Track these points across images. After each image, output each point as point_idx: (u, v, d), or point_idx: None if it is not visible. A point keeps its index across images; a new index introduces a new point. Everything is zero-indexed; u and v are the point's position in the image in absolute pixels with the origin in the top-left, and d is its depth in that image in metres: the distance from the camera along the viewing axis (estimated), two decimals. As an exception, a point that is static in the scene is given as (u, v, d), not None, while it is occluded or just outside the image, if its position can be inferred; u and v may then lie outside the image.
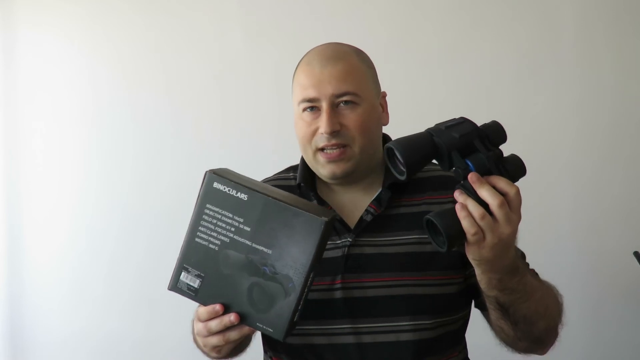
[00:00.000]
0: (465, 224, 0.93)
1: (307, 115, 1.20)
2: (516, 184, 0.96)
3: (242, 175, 1.10)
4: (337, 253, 1.19)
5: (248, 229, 1.03)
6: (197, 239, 1.05)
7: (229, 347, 1.10)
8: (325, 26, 2.20)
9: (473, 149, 0.96)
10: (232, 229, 1.03)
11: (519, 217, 0.95)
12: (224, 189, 1.03)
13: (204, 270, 1.05)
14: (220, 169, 1.08)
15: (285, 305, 1.02)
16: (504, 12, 2.17)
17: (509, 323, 1.10)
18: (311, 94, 1.18)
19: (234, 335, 1.05)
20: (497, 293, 1.05)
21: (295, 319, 1.04)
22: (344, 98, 1.18)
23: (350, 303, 1.17)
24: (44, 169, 2.33)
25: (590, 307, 2.13)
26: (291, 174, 1.33)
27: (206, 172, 1.05)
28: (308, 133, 1.20)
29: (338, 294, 1.18)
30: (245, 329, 1.05)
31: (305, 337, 1.18)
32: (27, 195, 2.33)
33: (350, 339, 1.17)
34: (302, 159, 1.30)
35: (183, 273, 1.06)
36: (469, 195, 0.94)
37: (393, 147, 0.98)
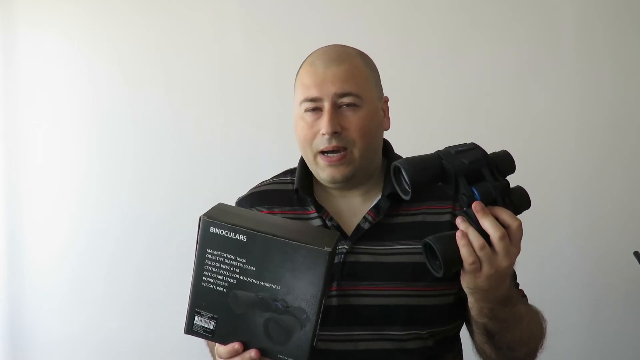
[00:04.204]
0: (464, 252, 0.93)
1: (309, 116, 1.18)
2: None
3: (236, 209, 1.09)
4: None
5: (252, 268, 1.02)
6: (203, 283, 1.04)
7: None
8: (325, 26, 2.20)
9: (480, 176, 0.96)
10: (237, 270, 1.02)
11: (518, 251, 0.96)
12: (222, 232, 1.02)
13: (216, 312, 1.05)
14: (214, 208, 1.07)
15: (303, 335, 1.02)
16: (504, 12, 2.17)
17: (492, 347, 1.11)
18: (314, 93, 1.17)
19: None
20: (486, 321, 1.05)
21: (314, 344, 1.05)
22: (346, 99, 1.17)
23: (346, 310, 1.17)
24: (44, 169, 2.33)
25: (590, 307, 2.13)
26: (288, 178, 1.31)
27: (200, 217, 1.03)
28: (309, 135, 1.18)
29: (334, 301, 1.17)
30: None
31: None
32: (27, 195, 2.33)
33: (346, 346, 1.17)
34: (300, 163, 1.29)
35: (196, 317, 1.06)
36: (471, 224, 0.94)
37: (400, 166, 0.97)
